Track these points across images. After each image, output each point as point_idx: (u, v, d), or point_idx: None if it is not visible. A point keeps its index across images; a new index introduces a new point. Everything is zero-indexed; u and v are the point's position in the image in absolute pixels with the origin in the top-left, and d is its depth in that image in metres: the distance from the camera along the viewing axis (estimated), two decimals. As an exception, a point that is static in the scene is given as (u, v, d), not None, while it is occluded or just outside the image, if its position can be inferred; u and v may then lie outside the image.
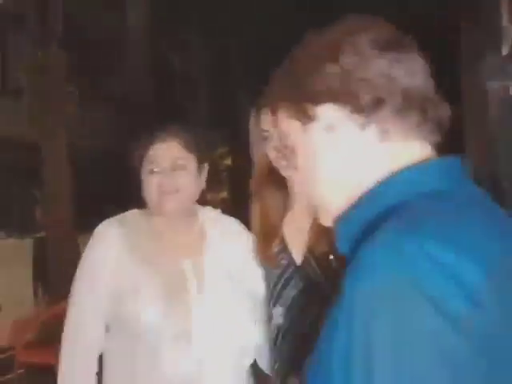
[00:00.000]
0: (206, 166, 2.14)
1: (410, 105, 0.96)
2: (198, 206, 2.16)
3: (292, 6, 11.90)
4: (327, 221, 1.03)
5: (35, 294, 9.20)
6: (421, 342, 0.76)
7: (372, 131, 0.97)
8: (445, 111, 0.99)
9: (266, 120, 1.98)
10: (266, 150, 1.99)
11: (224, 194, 17.90)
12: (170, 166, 2.03)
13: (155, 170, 2.03)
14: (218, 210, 2.22)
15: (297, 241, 1.99)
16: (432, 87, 0.99)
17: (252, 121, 2.06)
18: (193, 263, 2.04)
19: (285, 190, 2.05)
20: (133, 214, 2.12)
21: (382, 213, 0.90)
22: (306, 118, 1.01)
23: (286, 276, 1.99)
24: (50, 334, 5.61)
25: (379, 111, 0.95)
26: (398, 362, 0.76)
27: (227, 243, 2.10)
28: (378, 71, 0.96)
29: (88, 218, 9.64)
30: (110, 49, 12.63)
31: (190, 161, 2.06)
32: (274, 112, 1.08)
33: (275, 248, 2.02)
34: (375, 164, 0.97)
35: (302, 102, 1.00)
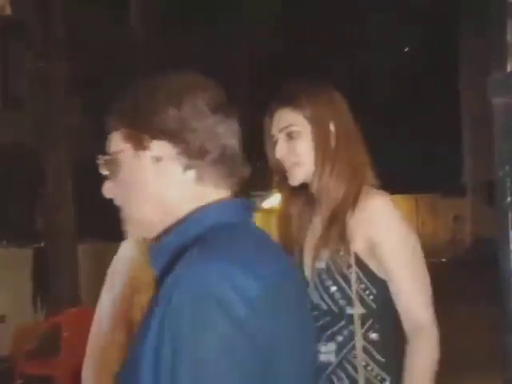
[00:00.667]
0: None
1: (224, 159, 1.19)
2: None
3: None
4: (131, 233, 1.26)
5: (34, 303, 9.18)
6: (214, 339, 1.00)
7: (191, 174, 1.18)
8: (246, 170, 1.25)
9: (273, 125, 1.95)
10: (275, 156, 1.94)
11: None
12: None
13: None
14: None
15: (311, 253, 1.92)
16: (241, 148, 1.23)
17: (265, 126, 2.01)
18: None
19: (309, 196, 1.98)
20: None
21: (190, 239, 1.13)
22: (140, 146, 1.19)
23: None
24: (50, 345, 5.61)
25: (201, 160, 1.17)
26: (197, 356, 1.00)
27: None
28: (208, 126, 1.16)
29: (87, 228, 9.68)
30: (113, 61, 12.68)
31: None
32: (112, 129, 1.24)
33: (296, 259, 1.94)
34: (187, 199, 1.18)
35: (142, 133, 1.18)
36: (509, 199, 1.90)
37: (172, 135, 1.17)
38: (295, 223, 1.98)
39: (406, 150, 20.70)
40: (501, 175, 1.95)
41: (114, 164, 1.23)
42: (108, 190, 1.24)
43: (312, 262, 1.88)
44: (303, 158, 1.90)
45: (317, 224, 1.94)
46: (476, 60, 17.66)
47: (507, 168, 1.96)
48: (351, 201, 1.86)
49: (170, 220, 1.19)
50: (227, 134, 1.19)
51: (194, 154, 1.16)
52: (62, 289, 7.95)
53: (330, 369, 1.84)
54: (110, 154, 1.24)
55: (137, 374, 1.06)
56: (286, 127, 1.90)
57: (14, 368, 5.45)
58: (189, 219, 1.17)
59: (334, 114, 1.92)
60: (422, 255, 1.91)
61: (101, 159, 1.25)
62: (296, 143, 1.90)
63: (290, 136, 1.90)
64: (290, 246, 1.95)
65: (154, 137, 1.18)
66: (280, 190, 2.02)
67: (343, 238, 1.84)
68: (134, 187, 1.21)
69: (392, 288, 1.84)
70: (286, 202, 2.02)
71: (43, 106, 8.56)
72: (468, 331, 8.38)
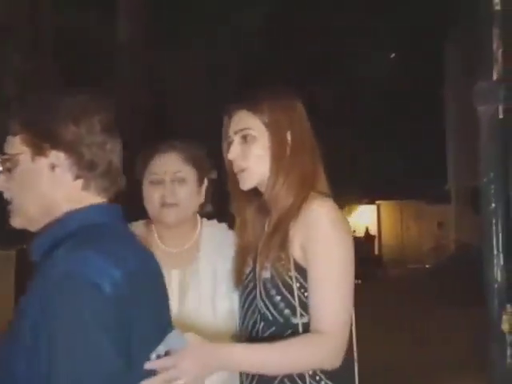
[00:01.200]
0: (206, 181, 2.15)
1: (109, 173, 1.43)
2: (203, 219, 2.18)
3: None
4: (15, 222, 1.48)
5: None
6: (82, 309, 1.27)
7: (80, 182, 1.41)
8: (123, 182, 1.49)
9: (231, 126, 1.93)
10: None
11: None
12: (170, 179, 2.06)
13: (155, 181, 2.07)
14: (223, 224, 2.20)
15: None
16: (121, 163, 1.47)
17: (224, 126, 2.00)
18: (180, 273, 2.05)
19: (262, 202, 1.96)
20: (136, 224, 2.16)
21: (65, 234, 1.37)
22: (39, 152, 1.39)
23: (249, 299, 1.90)
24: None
25: (91, 171, 1.40)
26: (69, 324, 1.26)
27: (221, 258, 2.07)
28: (99, 143, 1.39)
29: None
30: (101, 62, 12.65)
31: (189, 174, 2.09)
32: (14, 134, 1.42)
33: (248, 268, 1.93)
34: (70, 202, 1.41)
35: (42, 142, 1.39)
36: (493, 205, 1.94)
37: (69, 147, 1.38)
38: (250, 229, 1.96)
39: (391, 158, 20.78)
40: (485, 182, 1.98)
41: (11, 163, 1.42)
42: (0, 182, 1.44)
43: (259, 271, 1.86)
44: (253, 163, 1.87)
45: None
46: (461, 69, 17.81)
47: (492, 175, 1.99)
48: (296, 209, 1.84)
49: (50, 217, 1.42)
50: (113, 151, 1.43)
51: (85, 165, 1.40)
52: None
53: (276, 382, 1.78)
54: (8, 154, 1.43)
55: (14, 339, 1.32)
56: (242, 130, 1.88)
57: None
58: (65, 218, 1.41)
59: (292, 123, 1.89)
60: (352, 267, 1.82)
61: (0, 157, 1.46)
62: (249, 147, 1.88)
63: (245, 139, 1.88)
64: (246, 251, 1.93)
65: (54, 147, 1.39)
66: (233, 194, 1.98)
67: (283, 246, 1.81)
68: (26, 186, 1.42)
69: (309, 288, 1.78)
70: (238, 206, 1.98)
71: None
72: (449, 332, 8.45)
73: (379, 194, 21.71)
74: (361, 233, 21.95)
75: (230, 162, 1.92)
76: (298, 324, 1.80)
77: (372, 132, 19.94)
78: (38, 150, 1.40)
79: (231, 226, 2.13)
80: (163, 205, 2.06)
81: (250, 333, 1.88)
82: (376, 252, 23.08)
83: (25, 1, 8.53)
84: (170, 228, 2.11)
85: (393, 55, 21.63)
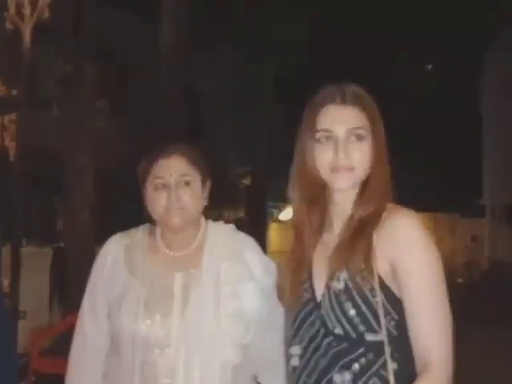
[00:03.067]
0: (209, 184, 2.13)
1: None
2: (208, 221, 2.15)
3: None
4: None
5: (51, 303, 9.26)
6: None
7: None
8: None
9: (329, 117, 1.73)
10: (318, 155, 1.74)
11: (241, 214, 17.93)
12: (176, 182, 2.02)
13: (161, 185, 2.02)
14: (231, 226, 2.16)
15: (323, 272, 1.76)
16: None
17: (304, 120, 1.80)
18: (183, 276, 2.02)
19: (323, 211, 1.82)
20: (143, 228, 2.15)
21: None
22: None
23: (304, 313, 1.76)
24: (65, 344, 5.66)
25: None
26: None
27: (227, 262, 2.04)
28: None
29: (106, 230, 9.75)
30: (142, 64, 12.81)
31: (194, 177, 2.06)
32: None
33: (302, 277, 1.79)
34: None
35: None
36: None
37: None
38: (306, 238, 1.82)
39: (425, 170, 20.59)
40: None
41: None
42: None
43: (327, 281, 1.72)
44: (360, 163, 1.74)
45: (329, 241, 1.78)
46: (500, 81, 17.58)
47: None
48: (378, 217, 1.71)
49: None
50: None
51: None
52: (79, 289, 8.03)
53: None
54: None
55: None
56: (355, 128, 1.72)
57: (29, 365, 5.51)
58: None
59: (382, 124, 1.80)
60: (445, 284, 1.70)
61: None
62: (361, 146, 1.73)
63: (357, 138, 1.73)
64: (302, 260, 1.81)
65: None
66: (297, 201, 1.82)
67: (367, 258, 1.66)
68: None
69: (407, 316, 1.65)
70: (299, 214, 1.83)
71: (70, 108, 8.66)
72: (483, 355, 8.29)
73: (411, 205, 21.55)
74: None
75: (314, 167, 1.75)
76: (372, 342, 1.66)
77: (407, 143, 19.80)
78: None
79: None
80: (169, 209, 2.02)
81: (305, 348, 1.74)
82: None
83: (68, 2, 8.67)
84: (175, 232, 2.07)
85: (430, 67, 21.45)
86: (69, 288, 8.24)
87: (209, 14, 13.73)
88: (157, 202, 2.03)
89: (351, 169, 1.72)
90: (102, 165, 9.30)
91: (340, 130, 1.71)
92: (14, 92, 9.23)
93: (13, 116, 9.51)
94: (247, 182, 17.44)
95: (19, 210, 7.54)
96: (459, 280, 19.26)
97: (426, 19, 17.22)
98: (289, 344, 1.80)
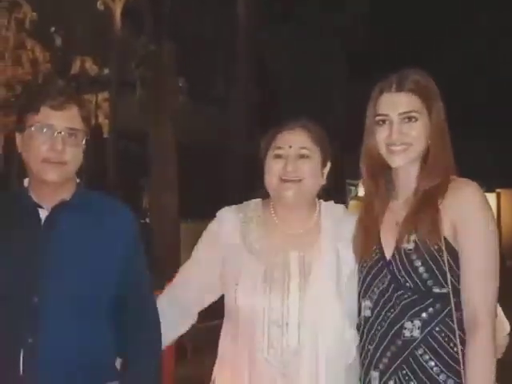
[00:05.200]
0: (329, 164, 2.09)
1: None
2: (321, 200, 2.11)
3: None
4: None
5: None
6: None
7: None
8: None
9: (385, 103, 1.96)
10: (377, 136, 1.97)
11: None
12: (296, 154, 2.01)
13: (279, 155, 2.01)
14: (342, 206, 2.15)
15: (391, 235, 1.96)
16: None
17: (368, 106, 2.02)
18: (299, 256, 2.01)
19: (389, 182, 2.04)
20: (255, 202, 2.12)
21: None
22: None
23: (375, 269, 1.96)
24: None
25: None
26: None
27: (342, 241, 2.04)
28: None
29: (191, 206, 9.97)
30: (219, 45, 12.92)
31: (315, 153, 2.03)
32: None
33: (372, 240, 1.99)
34: None
35: None
36: None
37: None
38: (375, 207, 2.01)
39: (494, 145, 19.80)
40: None
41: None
42: None
43: (397, 242, 1.91)
44: (416, 140, 1.94)
45: (396, 208, 1.99)
46: None
47: None
48: (445, 187, 1.92)
49: None
50: None
51: None
52: (164, 264, 8.27)
53: (415, 344, 1.88)
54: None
55: None
56: (407, 112, 1.94)
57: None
58: None
59: (441, 105, 1.99)
60: (498, 252, 1.90)
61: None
62: (415, 126, 1.94)
63: (410, 119, 1.94)
64: (371, 226, 1.99)
65: None
66: (365, 176, 2.05)
67: (434, 222, 1.87)
68: None
69: (461, 271, 1.87)
70: (369, 183, 2.05)
71: (152, 87, 8.87)
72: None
73: (499, 181, 20.79)
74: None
75: (375, 145, 1.98)
76: (439, 293, 1.88)
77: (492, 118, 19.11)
78: None
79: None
80: (284, 180, 2.00)
81: (376, 301, 1.95)
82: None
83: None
84: (289, 207, 2.05)
85: None
86: (154, 262, 8.51)
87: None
88: (273, 171, 2.01)
89: (407, 145, 1.94)
90: (183, 142, 9.48)
91: (394, 114, 1.94)
92: (106, 71, 9.56)
93: (105, 94, 9.85)
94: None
95: (113, 186, 7.84)
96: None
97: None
98: (361, 296, 1.99)
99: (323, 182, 2.07)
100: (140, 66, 9.19)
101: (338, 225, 2.06)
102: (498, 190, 22.17)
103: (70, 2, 9.68)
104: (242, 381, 1.95)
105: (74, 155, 1.88)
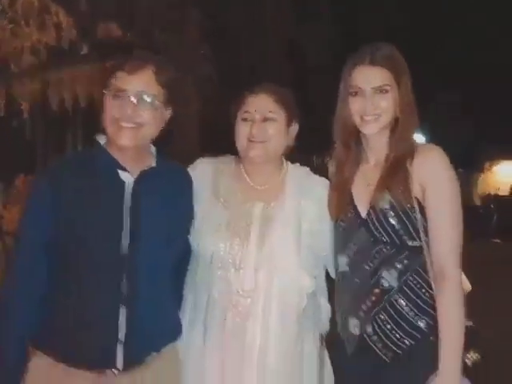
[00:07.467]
0: (295, 126, 2.27)
1: None
2: (288, 162, 2.31)
3: None
4: None
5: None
6: None
7: None
8: None
9: (359, 76, 2.12)
10: (351, 106, 2.15)
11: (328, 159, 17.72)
12: (261, 117, 2.18)
13: (246, 119, 2.19)
14: (307, 168, 2.33)
15: (363, 195, 2.16)
16: None
17: (342, 78, 2.20)
18: (263, 207, 2.18)
19: (360, 146, 2.23)
20: (230, 157, 2.32)
21: None
22: None
23: (351, 227, 2.15)
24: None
25: None
26: None
27: (305, 198, 2.21)
28: None
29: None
30: (242, 12, 12.78)
31: (280, 115, 2.20)
32: None
33: (345, 200, 2.18)
34: None
35: None
36: None
37: None
38: (347, 169, 2.22)
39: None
40: None
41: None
42: None
43: (373, 201, 2.11)
44: (386, 111, 2.13)
45: (366, 171, 2.20)
46: None
47: None
48: (412, 150, 2.11)
49: None
50: None
51: None
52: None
53: (392, 292, 2.08)
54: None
55: None
56: (381, 86, 2.12)
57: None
58: None
59: (409, 78, 2.17)
60: (460, 203, 2.09)
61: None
62: (385, 97, 2.12)
63: (382, 92, 2.12)
64: (344, 188, 2.19)
65: None
66: (340, 137, 2.23)
67: (405, 183, 2.06)
68: None
69: (429, 228, 2.07)
70: (340, 149, 2.24)
71: (175, 54, 8.80)
72: None
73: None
74: (505, 191, 20.53)
75: (349, 115, 2.17)
76: (412, 246, 2.09)
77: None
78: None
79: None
80: (251, 141, 2.17)
81: (354, 253, 2.14)
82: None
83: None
84: (256, 165, 2.23)
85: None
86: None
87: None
88: (241, 133, 2.20)
89: (378, 115, 2.12)
90: (206, 112, 9.43)
91: (367, 87, 2.11)
92: (129, 35, 9.50)
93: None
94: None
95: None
96: None
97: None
98: (338, 253, 2.18)
99: (290, 141, 2.26)
100: (163, 31, 9.11)
101: (302, 183, 2.23)
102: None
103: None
104: (200, 316, 2.13)
105: (147, 118, 1.93)
